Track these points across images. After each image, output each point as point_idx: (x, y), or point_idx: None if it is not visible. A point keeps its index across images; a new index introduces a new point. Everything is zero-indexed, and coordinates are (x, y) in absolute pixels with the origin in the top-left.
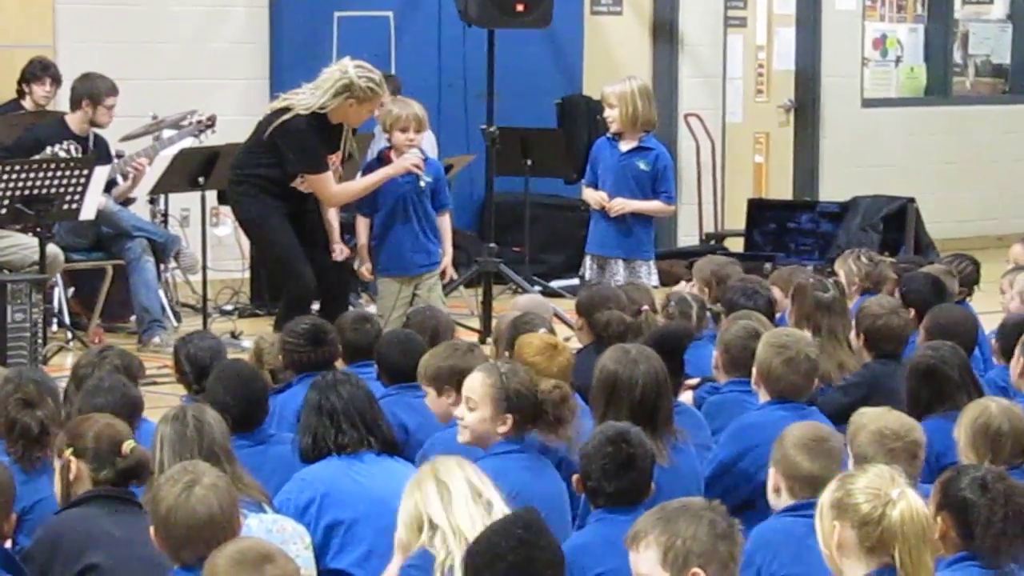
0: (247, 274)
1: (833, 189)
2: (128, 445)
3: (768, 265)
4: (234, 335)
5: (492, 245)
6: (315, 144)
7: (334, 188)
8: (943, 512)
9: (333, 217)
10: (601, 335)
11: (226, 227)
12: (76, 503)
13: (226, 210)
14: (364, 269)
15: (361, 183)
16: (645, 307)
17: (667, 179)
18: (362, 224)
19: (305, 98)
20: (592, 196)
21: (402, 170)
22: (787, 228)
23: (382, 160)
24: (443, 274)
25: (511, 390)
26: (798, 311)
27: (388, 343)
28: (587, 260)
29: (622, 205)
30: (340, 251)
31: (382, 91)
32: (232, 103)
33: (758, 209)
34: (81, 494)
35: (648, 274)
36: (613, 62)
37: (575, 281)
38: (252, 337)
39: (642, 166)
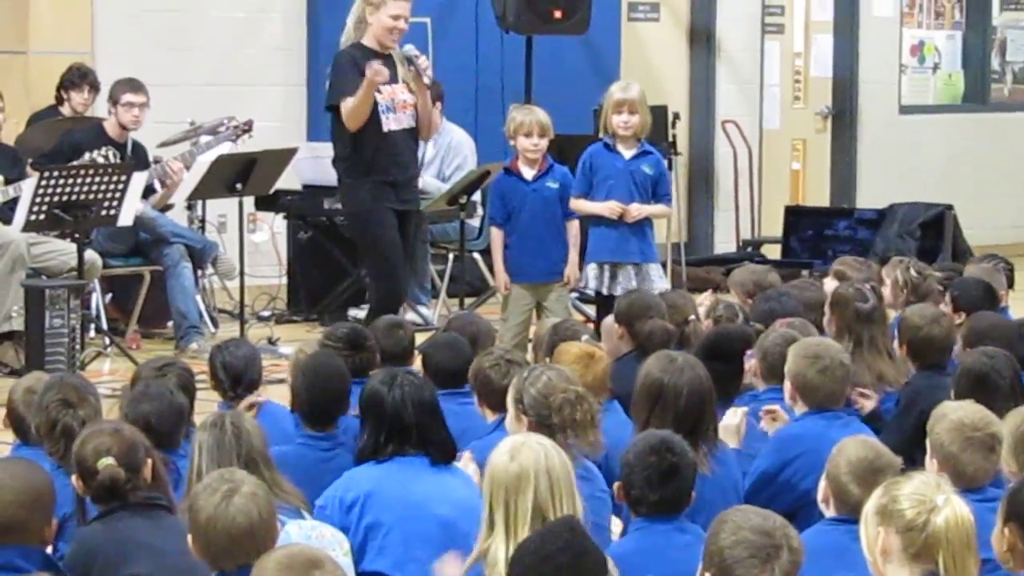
0: (284, 280)
1: (870, 196)
2: (103, 463)
3: (805, 273)
4: (271, 341)
5: None
6: (344, 75)
7: (343, 117)
8: (1011, 524)
9: None
10: (644, 345)
11: (263, 233)
12: (108, 512)
13: (263, 216)
14: (501, 284)
15: (353, 100)
16: (692, 317)
17: (668, 182)
18: (496, 235)
19: (342, 39)
20: (598, 206)
21: (375, 81)
22: (824, 235)
23: (508, 171)
24: (569, 282)
25: (525, 392)
26: (838, 321)
27: (436, 346)
28: (591, 269)
29: (640, 210)
30: None
31: None
32: (269, 109)
33: (795, 216)
34: (112, 504)
35: (660, 277)
36: (650, 68)
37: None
38: (289, 343)
39: (647, 170)
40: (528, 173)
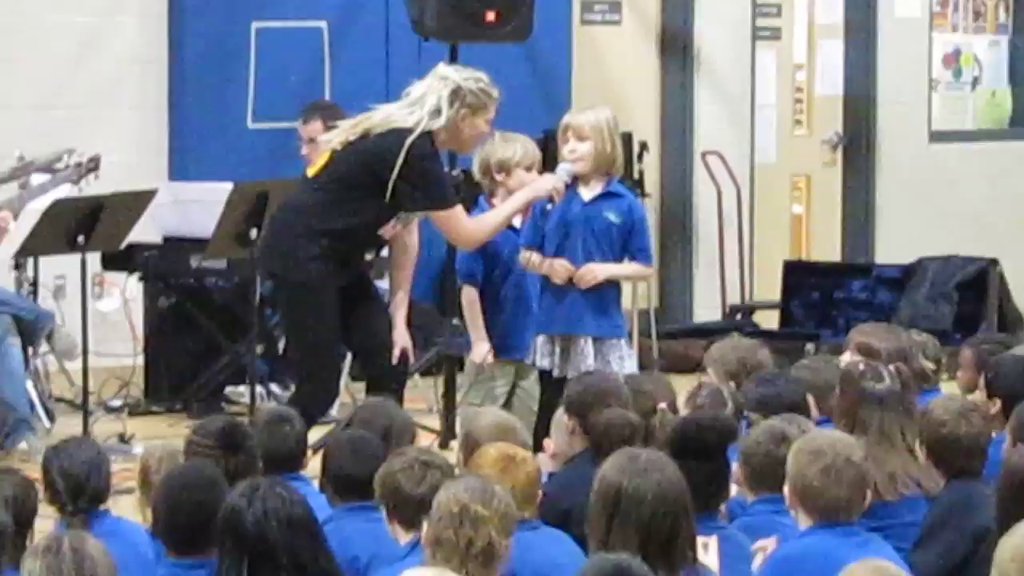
0: (140, 360)
1: (893, 248)
2: None
3: (810, 346)
4: (123, 439)
5: (456, 321)
6: (442, 171)
7: (470, 224)
8: None
9: (401, 306)
10: (600, 442)
11: (113, 300)
12: None
13: (112, 277)
14: (488, 354)
15: (500, 213)
16: (663, 404)
17: (644, 233)
18: (472, 295)
19: (409, 116)
20: (545, 264)
21: (543, 192)
22: (834, 299)
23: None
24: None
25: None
26: (840, 404)
27: (337, 447)
28: (540, 342)
29: (593, 273)
30: (401, 344)
31: (496, 94)
32: (120, 139)
33: (797, 274)
34: None
35: (623, 356)
36: (609, 85)
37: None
38: (147, 441)
39: (612, 217)
40: (517, 220)
